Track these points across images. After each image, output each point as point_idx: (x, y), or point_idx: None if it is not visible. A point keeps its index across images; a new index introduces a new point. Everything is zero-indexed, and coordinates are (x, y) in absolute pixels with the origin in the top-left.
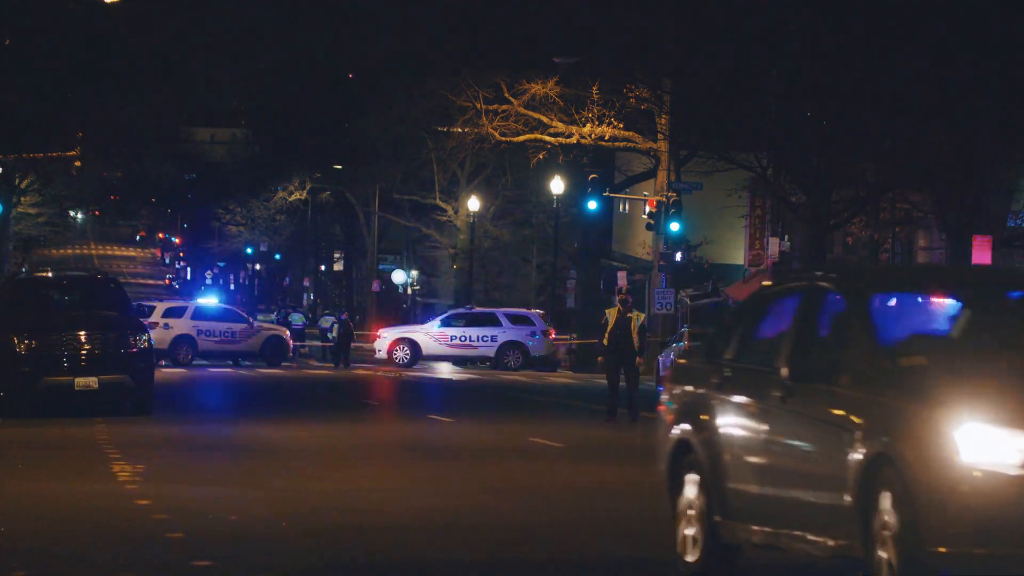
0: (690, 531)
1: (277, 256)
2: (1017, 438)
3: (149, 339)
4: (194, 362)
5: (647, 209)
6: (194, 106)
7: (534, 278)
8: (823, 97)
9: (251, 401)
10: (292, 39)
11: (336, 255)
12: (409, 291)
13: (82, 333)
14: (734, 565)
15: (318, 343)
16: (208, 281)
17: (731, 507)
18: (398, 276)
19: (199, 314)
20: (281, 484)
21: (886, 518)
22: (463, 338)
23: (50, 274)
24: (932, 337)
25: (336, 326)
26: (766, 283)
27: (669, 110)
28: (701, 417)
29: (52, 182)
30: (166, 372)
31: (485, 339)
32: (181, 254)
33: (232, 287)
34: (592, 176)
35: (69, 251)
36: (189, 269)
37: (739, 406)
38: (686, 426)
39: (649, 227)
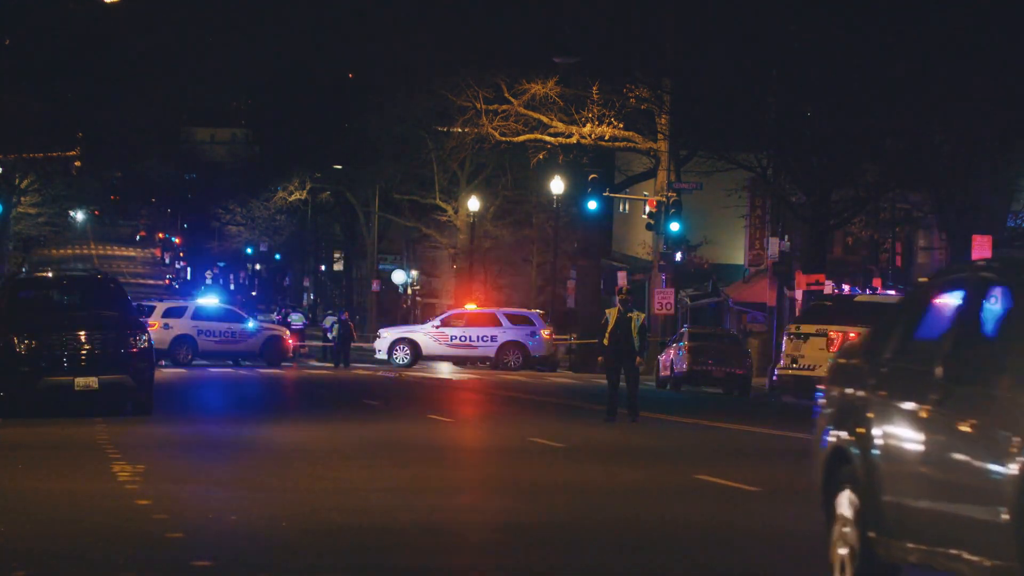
0: (843, 550)
1: (277, 256)
2: None
3: (149, 339)
4: (194, 362)
5: (647, 209)
6: (194, 106)
7: (534, 278)
8: (823, 97)
9: (251, 401)
10: (292, 39)
11: (336, 255)
12: (409, 291)
13: (82, 333)
14: None
15: (318, 343)
16: (208, 281)
17: (886, 522)
18: (398, 276)
19: (199, 314)
20: (281, 484)
21: None
22: (463, 338)
23: (50, 274)
24: None
25: (336, 326)
26: (922, 279)
27: (669, 110)
28: (856, 423)
29: (52, 182)
30: (166, 372)
31: (485, 339)
32: (181, 254)
33: (232, 287)
34: (592, 176)
35: (69, 251)
36: (189, 269)
37: (896, 410)
38: (841, 433)
39: (649, 227)
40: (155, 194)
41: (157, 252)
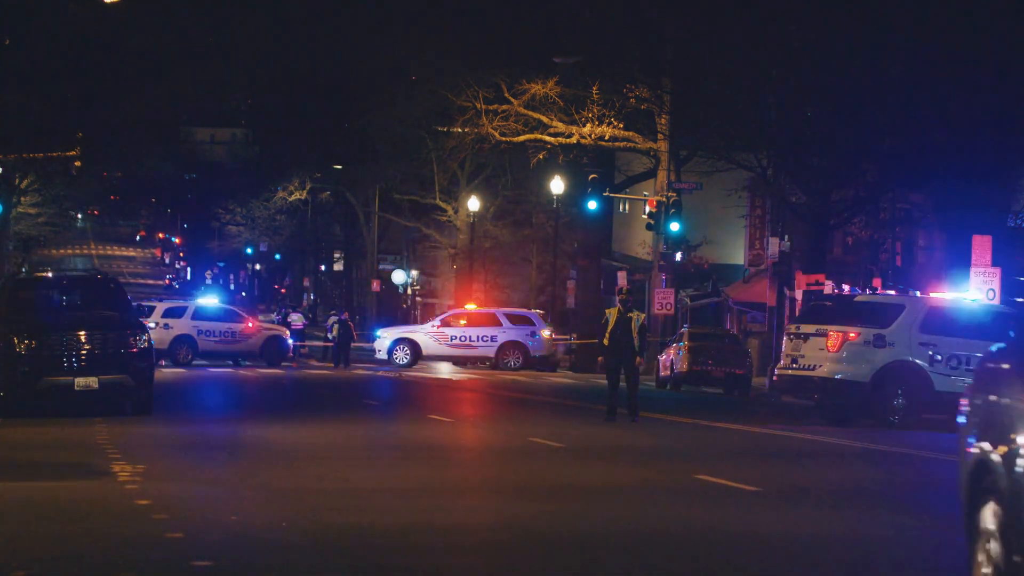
0: (987, 570)
1: (277, 256)
2: None
3: (149, 339)
4: (194, 362)
5: (647, 209)
6: (194, 106)
7: (534, 278)
8: (823, 97)
9: (251, 401)
10: (292, 39)
11: (336, 255)
12: (409, 291)
13: (82, 333)
14: None
15: (319, 343)
16: (208, 281)
17: None
18: (398, 276)
19: (199, 314)
20: (281, 484)
21: None
22: (463, 338)
23: (50, 274)
24: None
25: (336, 326)
26: None
27: (669, 110)
28: (1001, 433)
29: (52, 182)
30: (166, 372)
31: (485, 339)
32: (181, 254)
33: (232, 287)
34: (592, 176)
35: (69, 251)
36: (189, 269)
37: None
38: (985, 444)
39: (649, 227)
40: (155, 194)
41: (157, 252)
